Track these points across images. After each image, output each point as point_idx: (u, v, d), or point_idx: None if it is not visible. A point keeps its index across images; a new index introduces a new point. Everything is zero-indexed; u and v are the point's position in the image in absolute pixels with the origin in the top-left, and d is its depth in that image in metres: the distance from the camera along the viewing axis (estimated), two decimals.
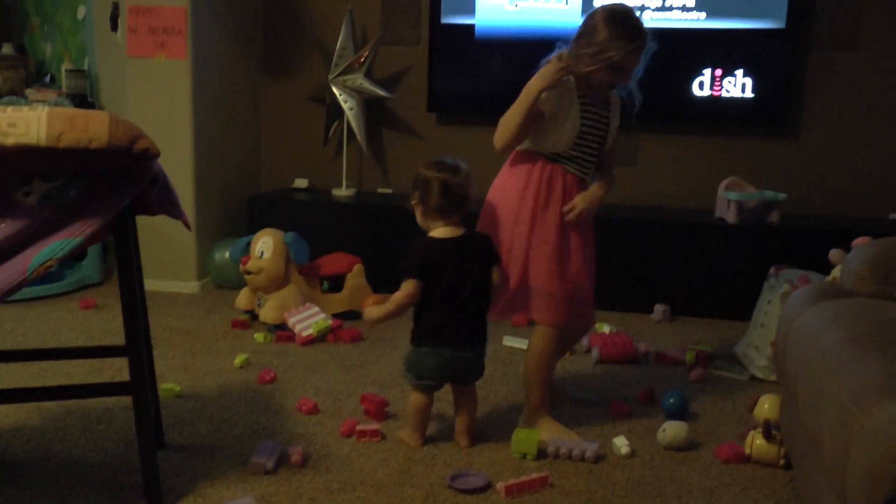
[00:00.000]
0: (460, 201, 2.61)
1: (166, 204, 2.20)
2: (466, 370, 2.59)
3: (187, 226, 2.37)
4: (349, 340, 3.61)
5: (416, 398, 2.60)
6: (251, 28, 4.91)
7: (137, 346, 2.06)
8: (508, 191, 2.71)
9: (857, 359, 1.76)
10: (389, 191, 5.01)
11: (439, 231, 2.61)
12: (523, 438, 2.54)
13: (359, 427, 2.63)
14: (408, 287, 2.52)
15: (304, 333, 3.57)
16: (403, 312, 2.56)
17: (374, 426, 2.64)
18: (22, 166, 1.90)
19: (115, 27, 4.32)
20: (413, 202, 2.63)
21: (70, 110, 1.91)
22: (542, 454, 2.53)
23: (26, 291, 3.93)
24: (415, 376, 2.57)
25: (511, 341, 3.66)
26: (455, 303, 2.52)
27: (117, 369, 3.11)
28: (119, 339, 3.48)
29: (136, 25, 4.17)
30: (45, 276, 1.87)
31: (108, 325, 3.74)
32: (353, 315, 3.88)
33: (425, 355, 2.54)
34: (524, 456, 2.53)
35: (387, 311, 2.54)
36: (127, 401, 2.10)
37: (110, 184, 1.97)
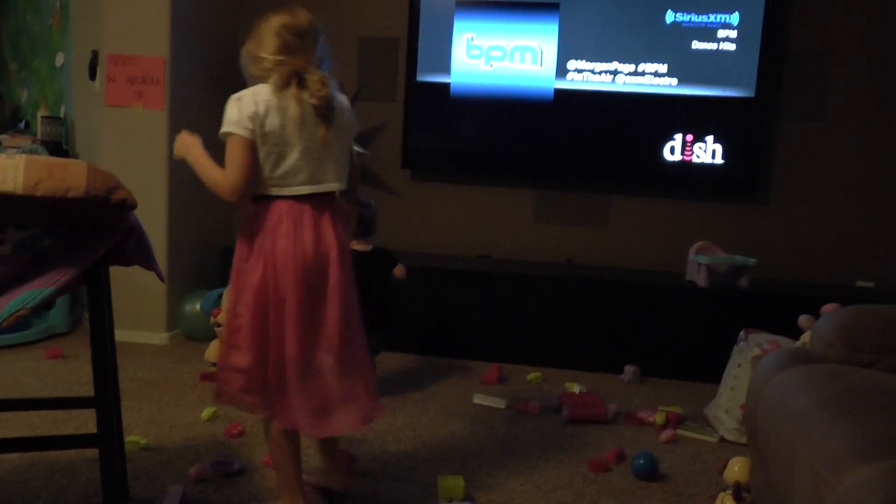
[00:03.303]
0: (372, 229, 3.56)
1: (141, 254, 2.19)
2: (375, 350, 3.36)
3: (161, 277, 2.34)
4: None
5: None
6: (230, 77, 4.92)
7: (106, 397, 2.03)
8: None
9: (827, 424, 1.78)
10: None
11: (360, 248, 3.54)
12: (449, 485, 2.60)
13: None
14: None
15: None
16: None
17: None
18: None
19: (93, 76, 4.32)
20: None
21: (48, 159, 1.90)
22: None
23: None
24: None
25: (481, 399, 3.64)
26: (374, 296, 3.48)
27: (82, 421, 3.05)
28: (85, 389, 3.45)
29: (115, 74, 4.18)
30: (13, 324, 1.85)
31: (75, 376, 3.68)
32: None
33: None
34: (450, 500, 2.56)
35: None
36: (91, 453, 2.07)
37: (86, 234, 1.95)
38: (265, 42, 2.27)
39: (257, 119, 2.18)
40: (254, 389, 2.26)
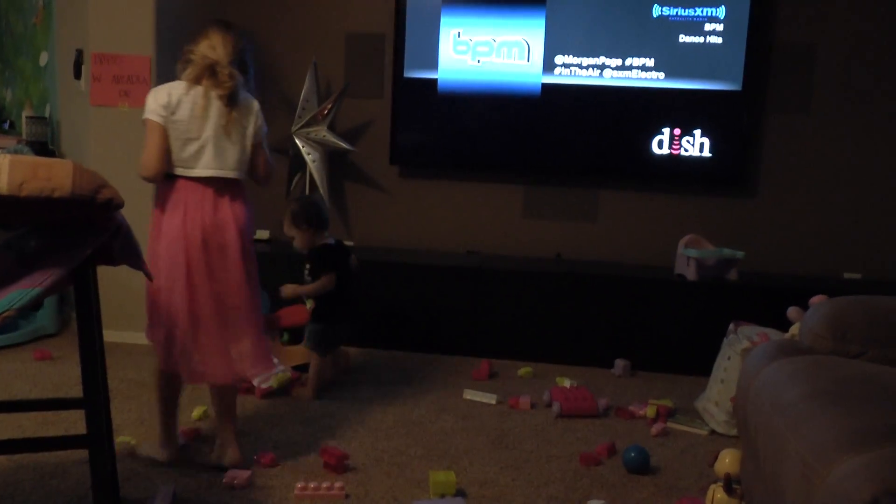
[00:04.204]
0: (326, 223, 3.76)
1: (128, 254, 2.17)
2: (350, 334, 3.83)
3: (149, 276, 2.34)
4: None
5: (319, 362, 3.60)
6: None
7: (95, 398, 2.02)
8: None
9: (817, 415, 1.78)
10: (351, 243, 5.00)
11: (324, 241, 3.72)
12: (441, 480, 2.58)
13: (325, 485, 2.59)
14: (329, 279, 3.61)
15: (264, 385, 3.53)
16: (320, 293, 3.63)
17: (339, 484, 2.60)
18: None
19: (78, 75, 4.30)
20: (302, 229, 3.63)
21: (33, 158, 1.89)
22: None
23: None
24: (322, 346, 3.63)
25: (472, 395, 3.64)
26: (345, 286, 3.71)
27: (71, 422, 3.04)
28: (73, 391, 3.44)
29: (100, 74, 4.16)
30: (1, 326, 1.83)
31: (63, 377, 3.67)
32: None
33: (330, 330, 3.67)
34: (442, 496, 2.56)
35: (308, 290, 3.63)
36: (81, 454, 2.05)
37: (72, 234, 1.94)
38: (194, 40, 2.70)
39: (168, 108, 2.60)
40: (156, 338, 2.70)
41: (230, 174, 2.69)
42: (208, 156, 2.64)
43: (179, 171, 2.64)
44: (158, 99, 2.60)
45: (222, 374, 2.71)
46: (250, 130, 2.73)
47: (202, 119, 2.62)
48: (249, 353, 2.74)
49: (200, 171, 2.64)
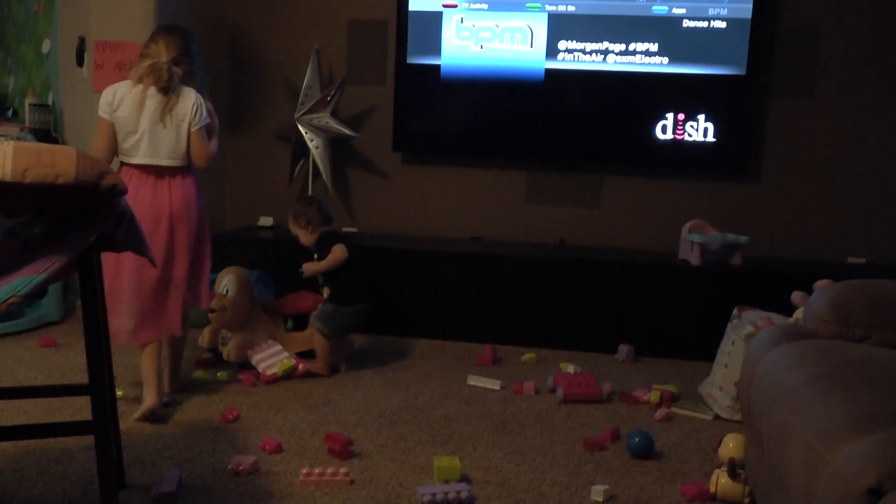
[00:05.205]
0: (330, 219, 3.88)
1: (132, 241, 2.18)
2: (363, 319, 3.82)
3: (153, 263, 2.34)
4: None
5: (329, 344, 3.69)
6: (218, 64, 4.92)
7: (101, 384, 2.03)
8: (202, 197, 3.24)
9: (821, 399, 1.78)
10: (354, 229, 5.00)
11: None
12: (445, 466, 2.59)
13: (329, 471, 2.59)
14: (340, 248, 3.70)
15: (269, 372, 3.54)
16: (335, 266, 3.71)
17: (343, 470, 2.60)
18: None
19: (80, 62, 4.30)
20: (311, 227, 3.78)
21: (37, 145, 1.88)
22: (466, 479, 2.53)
23: None
24: (335, 329, 3.70)
25: (476, 380, 3.65)
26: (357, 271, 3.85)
27: (77, 408, 3.05)
28: (79, 377, 3.45)
29: (103, 61, 4.15)
30: (5, 313, 1.84)
31: (68, 364, 3.68)
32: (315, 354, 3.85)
33: (348, 311, 3.73)
34: (447, 481, 2.56)
35: (324, 264, 3.71)
36: (86, 441, 2.06)
37: (76, 220, 1.94)
38: (145, 44, 3.10)
39: (112, 105, 3.01)
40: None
41: (163, 162, 3.06)
42: (144, 146, 3.03)
43: (124, 160, 3.07)
44: (106, 97, 3.03)
45: (157, 334, 3.13)
46: (186, 120, 3.07)
47: (139, 114, 3.01)
48: (174, 317, 3.14)
49: (139, 160, 3.04)
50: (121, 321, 3.01)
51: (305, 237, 3.81)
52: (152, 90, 3.02)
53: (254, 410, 3.20)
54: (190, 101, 3.07)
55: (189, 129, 3.07)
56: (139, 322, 3.05)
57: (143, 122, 3.01)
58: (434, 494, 2.43)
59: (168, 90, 3.03)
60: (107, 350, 2.29)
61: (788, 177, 4.65)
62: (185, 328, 3.24)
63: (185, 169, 3.11)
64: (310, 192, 4.85)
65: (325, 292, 3.78)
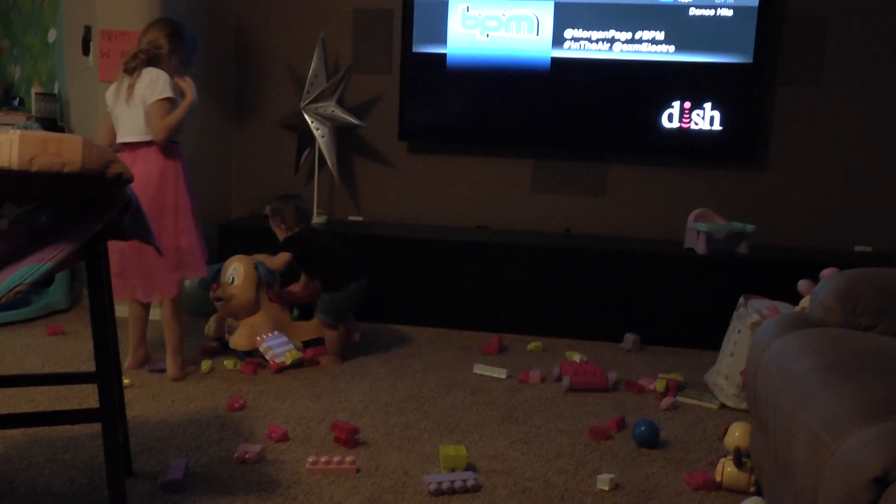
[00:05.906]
0: (309, 215, 3.95)
1: (138, 229, 2.18)
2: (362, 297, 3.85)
3: (159, 251, 2.35)
4: None
5: (336, 334, 3.75)
6: (224, 53, 4.91)
7: (107, 372, 2.03)
8: (179, 171, 3.37)
9: (827, 387, 1.78)
10: (360, 218, 5.01)
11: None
12: (451, 454, 2.58)
13: (336, 459, 2.60)
14: (281, 260, 3.72)
15: (277, 360, 3.54)
16: (283, 268, 3.77)
17: (350, 458, 2.61)
18: None
19: (86, 51, 4.29)
20: (285, 225, 3.81)
21: (43, 134, 1.88)
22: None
23: None
24: (337, 315, 3.74)
25: (482, 369, 3.65)
26: (335, 254, 3.85)
27: (84, 396, 3.06)
28: (86, 365, 3.46)
29: (108, 49, 4.15)
30: (12, 301, 1.84)
31: (75, 352, 3.69)
32: (322, 342, 3.85)
33: (343, 296, 3.75)
34: (453, 470, 2.56)
35: (272, 261, 3.76)
36: (93, 428, 2.07)
37: (82, 209, 1.94)
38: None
39: (108, 99, 3.37)
40: None
41: (132, 138, 3.31)
42: (120, 126, 3.33)
43: (118, 141, 3.36)
44: (108, 92, 3.38)
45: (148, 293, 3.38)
46: (143, 97, 3.27)
47: (117, 100, 3.32)
48: (156, 282, 3.35)
49: (120, 139, 3.34)
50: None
51: (280, 235, 3.84)
52: (123, 75, 3.32)
53: (260, 399, 3.21)
54: (148, 77, 3.27)
55: (144, 103, 3.26)
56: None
57: (117, 106, 3.31)
58: (440, 483, 2.43)
59: (131, 71, 3.29)
60: (114, 338, 2.30)
61: (795, 165, 4.63)
62: (176, 300, 3.44)
63: (149, 143, 3.30)
64: (315, 181, 4.86)
65: (295, 313, 3.93)
